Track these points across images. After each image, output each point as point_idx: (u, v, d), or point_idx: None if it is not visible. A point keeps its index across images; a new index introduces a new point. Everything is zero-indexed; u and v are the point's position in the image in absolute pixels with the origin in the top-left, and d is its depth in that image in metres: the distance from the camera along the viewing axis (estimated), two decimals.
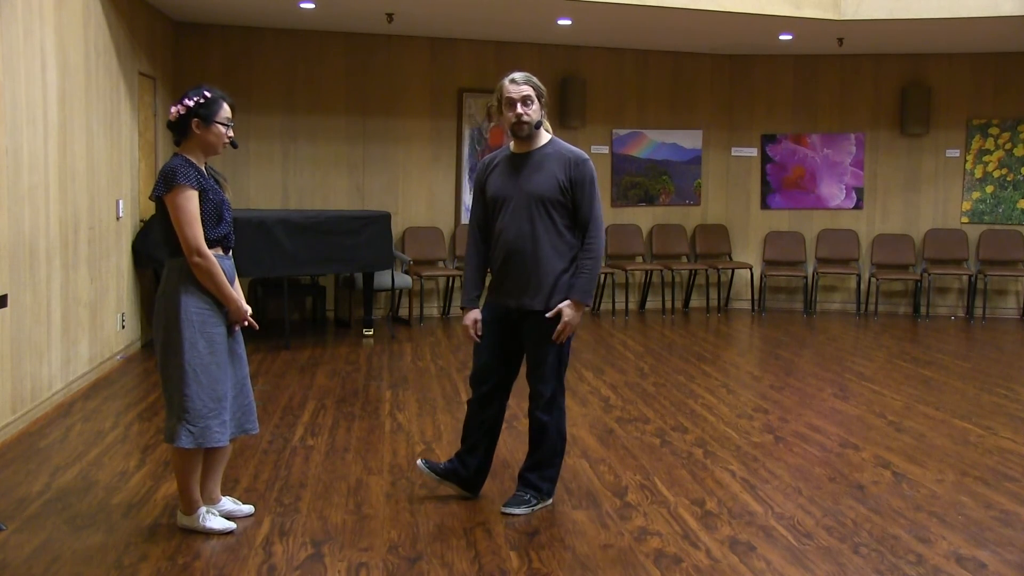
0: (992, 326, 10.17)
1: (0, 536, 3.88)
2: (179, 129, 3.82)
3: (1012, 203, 10.69)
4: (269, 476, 4.69)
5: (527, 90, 4.12)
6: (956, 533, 4.11)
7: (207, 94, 3.80)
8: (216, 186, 3.89)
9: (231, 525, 3.96)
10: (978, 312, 10.60)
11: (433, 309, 10.19)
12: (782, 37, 9.64)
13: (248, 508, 4.18)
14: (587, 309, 4.17)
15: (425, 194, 10.17)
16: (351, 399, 6.41)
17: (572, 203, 4.12)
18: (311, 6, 8.39)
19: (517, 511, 4.21)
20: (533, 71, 11.06)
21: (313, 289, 9.48)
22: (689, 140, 11.01)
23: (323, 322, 9.43)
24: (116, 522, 4.07)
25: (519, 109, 4.12)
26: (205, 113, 3.79)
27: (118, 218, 7.35)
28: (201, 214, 3.74)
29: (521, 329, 4.21)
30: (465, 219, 10.29)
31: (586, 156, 4.16)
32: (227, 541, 3.88)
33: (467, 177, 10.27)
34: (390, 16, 8.61)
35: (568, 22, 9.02)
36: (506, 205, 4.16)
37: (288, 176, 9.71)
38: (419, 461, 4.47)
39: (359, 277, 9.11)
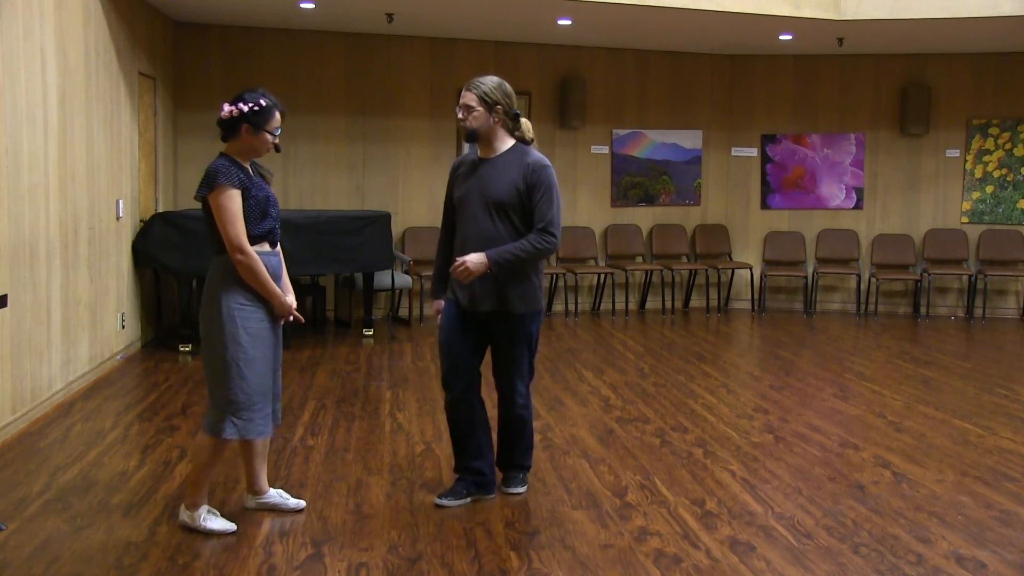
0: (992, 326, 10.17)
1: (0, 536, 3.89)
2: (228, 128, 3.90)
3: (1012, 203, 10.69)
4: (269, 476, 4.67)
5: (468, 98, 4.18)
6: (956, 533, 4.11)
7: (263, 102, 3.89)
8: (262, 183, 4.00)
9: (230, 526, 3.96)
10: (978, 312, 10.60)
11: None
12: (782, 37, 9.64)
13: (297, 502, 4.25)
14: (490, 271, 4.16)
15: (425, 194, 10.16)
16: (351, 399, 6.41)
17: (530, 208, 4.16)
18: (311, 6, 8.39)
19: (520, 489, 4.43)
20: (533, 71, 10.98)
21: (313, 289, 9.48)
22: (689, 140, 11.01)
23: (323, 322, 9.43)
24: (116, 522, 4.08)
25: (460, 115, 4.23)
26: (257, 120, 3.88)
27: (118, 218, 7.35)
28: (244, 211, 3.83)
29: (488, 330, 4.29)
30: None
31: (546, 163, 4.18)
32: (227, 541, 3.88)
33: None
34: (390, 16, 8.61)
35: (568, 22, 9.02)
36: (468, 208, 4.22)
37: (288, 176, 9.71)
38: (437, 500, 4.33)
39: (359, 277, 9.11)
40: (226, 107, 3.89)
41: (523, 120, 4.27)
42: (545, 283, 10.53)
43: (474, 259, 4.09)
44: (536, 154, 4.21)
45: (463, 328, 4.30)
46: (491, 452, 4.43)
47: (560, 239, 4.18)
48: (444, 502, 4.33)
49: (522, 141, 4.26)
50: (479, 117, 4.17)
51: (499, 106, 4.16)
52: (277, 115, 3.95)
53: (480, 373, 4.41)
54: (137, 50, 7.88)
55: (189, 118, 9.33)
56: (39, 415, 5.73)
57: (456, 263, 4.13)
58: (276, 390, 4.09)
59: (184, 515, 3.98)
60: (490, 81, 4.21)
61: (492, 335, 4.33)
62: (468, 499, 4.36)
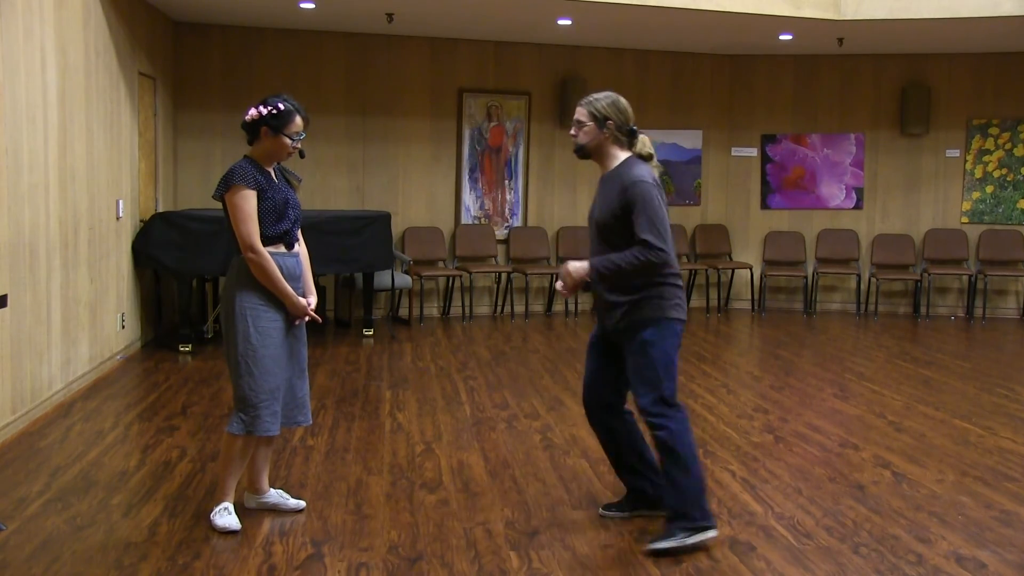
0: (992, 326, 10.17)
1: (0, 536, 3.89)
2: (250, 131, 4.02)
3: (1012, 203, 10.69)
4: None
5: (579, 113, 4.11)
6: (956, 533, 4.11)
7: (281, 106, 3.97)
8: (285, 186, 4.09)
9: (234, 526, 3.97)
10: (978, 312, 10.60)
11: (433, 309, 10.19)
12: (782, 37, 9.64)
13: (296, 503, 4.27)
14: (588, 280, 4.06)
15: (425, 194, 10.17)
16: (351, 399, 6.41)
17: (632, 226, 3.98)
18: (311, 6, 8.39)
19: (659, 545, 3.91)
20: (533, 71, 10.98)
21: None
22: (689, 140, 11.01)
23: (323, 322, 9.42)
24: (116, 522, 4.08)
25: (572, 131, 4.16)
26: (275, 124, 3.97)
27: (118, 218, 7.35)
28: (260, 212, 3.92)
29: (618, 347, 4.13)
30: (464, 219, 10.31)
31: (636, 179, 3.96)
32: (227, 541, 3.89)
33: (467, 177, 10.27)
34: (390, 16, 8.61)
35: (568, 22, 9.02)
36: (589, 227, 4.19)
37: None
38: (600, 511, 4.30)
39: (359, 277, 9.11)
40: (251, 110, 3.99)
41: (641, 136, 4.15)
42: (544, 283, 10.56)
43: (575, 265, 4.02)
44: (635, 170, 3.99)
45: (598, 347, 4.22)
46: (646, 470, 4.21)
47: (670, 251, 3.88)
48: (605, 512, 4.27)
49: (640, 157, 4.12)
50: (589, 132, 4.08)
51: (610, 121, 4.05)
52: (298, 120, 4.00)
53: (618, 393, 4.21)
54: (137, 50, 7.88)
55: (189, 118, 9.34)
56: (39, 415, 5.73)
57: (561, 273, 4.07)
58: (303, 391, 4.16)
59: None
60: (603, 97, 4.11)
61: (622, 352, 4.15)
62: (627, 513, 4.24)
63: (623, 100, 4.14)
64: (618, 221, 3.97)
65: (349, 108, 9.85)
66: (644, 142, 4.14)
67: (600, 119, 4.06)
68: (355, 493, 4.49)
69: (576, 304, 10.50)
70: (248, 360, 3.92)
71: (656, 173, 4.10)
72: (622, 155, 4.10)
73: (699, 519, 3.91)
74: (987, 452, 5.37)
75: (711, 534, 3.93)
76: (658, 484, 4.18)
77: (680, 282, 4.08)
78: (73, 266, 6.34)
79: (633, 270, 3.93)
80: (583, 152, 4.15)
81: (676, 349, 4.03)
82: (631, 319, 4.00)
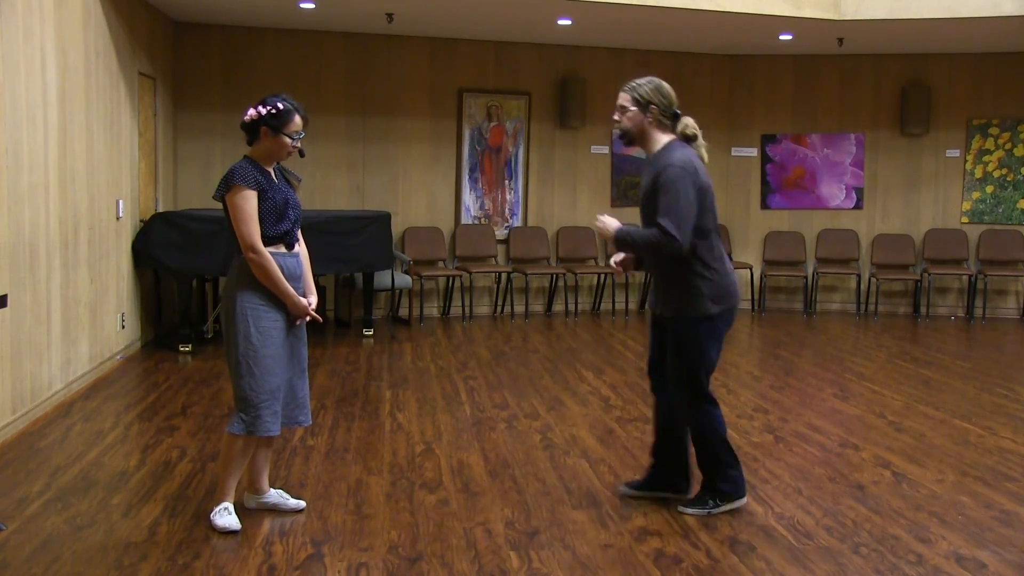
0: (992, 326, 10.17)
1: (0, 536, 3.89)
2: (250, 131, 4.02)
3: (1012, 203, 10.69)
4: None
5: (621, 98, 4.16)
6: (956, 533, 4.11)
7: (280, 106, 3.97)
8: (285, 186, 4.10)
9: (234, 526, 3.97)
10: (978, 312, 10.60)
11: (433, 309, 10.19)
12: (782, 37, 9.64)
13: (296, 503, 4.27)
14: (614, 240, 4.21)
15: (425, 194, 10.17)
16: (351, 399, 6.41)
17: None
18: (311, 6, 8.39)
19: (689, 510, 4.27)
20: (533, 71, 10.98)
21: None
22: None
23: (323, 322, 9.41)
24: (116, 522, 4.08)
25: (615, 116, 4.21)
26: (275, 123, 3.97)
27: (118, 218, 7.35)
28: (260, 213, 3.92)
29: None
30: (464, 219, 10.31)
31: (670, 163, 4.03)
32: (227, 541, 3.89)
33: (467, 177, 10.27)
34: (390, 16, 8.61)
35: (568, 22, 9.02)
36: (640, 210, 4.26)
37: None
38: (621, 487, 4.46)
39: (359, 277, 9.11)
40: (249, 111, 3.99)
41: (684, 118, 4.17)
42: (544, 283, 10.56)
43: (608, 219, 4.18)
44: (671, 155, 4.05)
45: (655, 324, 4.32)
46: (675, 456, 4.39)
47: (684, 241, 3.95)
48: (624, 489, 4.42)
49: (684, 139, 4.16)
50: (633, 117, 4.14)
51: (653, 106, 4.10)
52: (297, 119, 4.01)
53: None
54: (137, 50, 7.88)
55: (189, 118, 9.34)
56: (39, 415, 5.73)
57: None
58: (303, 391, 4.17)
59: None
60: (646, 82, 4.16)
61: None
62: (645, 493, 4.39)
63: (666, 85, 4.19)
64: (653, 205, 4.06)
65: (349, 108, 9.85)
66: (688, 124, 4.18)
67: (643, 104, 4.13)
68: (355, 493, 4.49)
69: (576, 305, 10.50)
70: (249, 360, 3.92)
71: (703, 152, 4.15)
72: (664, 138, 4.16)
73: (728, 491, 4.25)
74: (987, 452, 5.37)
75: (740, 503, 4.28)
76: (676, 470, 4.39)
77: (724, 269, 4.13)
78: (73, 266, 6.34)
79: (646, 247, 4.07)
80: (628, 138, 4.21)
81: (715, 343, 4.15)
82: (675, 313, 4.12)
